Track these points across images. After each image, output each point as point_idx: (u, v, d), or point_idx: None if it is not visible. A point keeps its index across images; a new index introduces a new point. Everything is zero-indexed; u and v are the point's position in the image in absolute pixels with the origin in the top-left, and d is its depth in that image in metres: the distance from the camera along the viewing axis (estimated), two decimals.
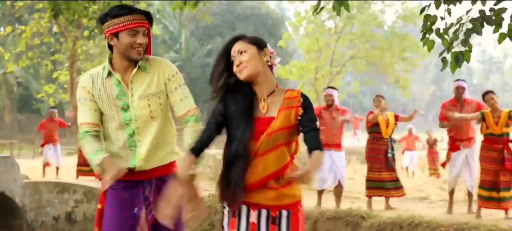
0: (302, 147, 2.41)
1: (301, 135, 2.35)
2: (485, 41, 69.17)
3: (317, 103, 24.52)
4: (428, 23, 4.61)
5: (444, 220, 5.93)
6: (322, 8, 5.14)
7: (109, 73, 2.62)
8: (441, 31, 4.57)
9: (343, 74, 28.03)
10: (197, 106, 2.68)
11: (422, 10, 4.73)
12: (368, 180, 7.23)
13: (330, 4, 15.40)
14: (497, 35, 4.41)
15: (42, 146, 11.24)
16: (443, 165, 7.21)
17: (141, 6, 18.49)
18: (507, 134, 6.19)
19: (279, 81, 2.48)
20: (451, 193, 6.92)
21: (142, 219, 2.60)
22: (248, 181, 2.26)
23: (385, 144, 7.16)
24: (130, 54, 2.56)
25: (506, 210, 6.22)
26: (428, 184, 11.01)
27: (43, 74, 27.28)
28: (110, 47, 2.62)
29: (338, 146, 7.21)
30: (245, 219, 2.31)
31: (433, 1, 4.70)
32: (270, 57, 2.38)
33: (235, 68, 2.33)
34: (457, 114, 6.40)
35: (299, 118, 2.30)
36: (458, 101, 6.79)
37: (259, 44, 2.36)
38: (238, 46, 2.34)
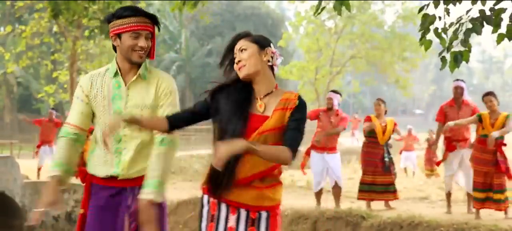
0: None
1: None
2: (485, 41, 69.18)
3: (317, 103, 24.53)
4: (427, 23, 4.61)
5: (444, 220, 5.93)
6: (324, 8, 5.14)
7: (115, 74, 2.60)
8: (440, 30, 4.57)
9: (343, 74, 28.07)
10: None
11: (421, 9, 4.73)
12: (361, 183, 7.25)
13: (331, 4, 15.39)
14: (497, 35, 4.41)
15: (38, 146, 11.26)
16: (438, 163, 7.23)
17: (141, 5, 18.50)
18: (501, 137, 6.22)
19: (278, 81, 2.47)
20: (448, 195, 6.93)
21: (125, 227, 2.58)
22: (235, 177, 2.26)
23: (381, 149, 7.17)
24: (131, 56, 2.55)
25: (504, 211, 6.24)
26: (428, 184, 11.01)
27: (43, 74, 27.29)
28: (115, 48, 2.62)
29: (331, 149, 7.20)
30: (224, 223, 2.31)
31: (432, 1, 4.70)
32: (272, 57, 2.36)
33: (235, 66, 2.34)
34: (451, 123, 6.42)
35: (289, 117, 2.28)
36: (456, 102, 6.80)
37: (261, 44, 2.35)
38: (240, 43, 2.34)
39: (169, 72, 35.20)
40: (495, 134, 6.07)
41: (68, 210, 9.67)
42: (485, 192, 6.24)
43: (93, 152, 2.68)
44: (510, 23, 4.33)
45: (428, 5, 4.75)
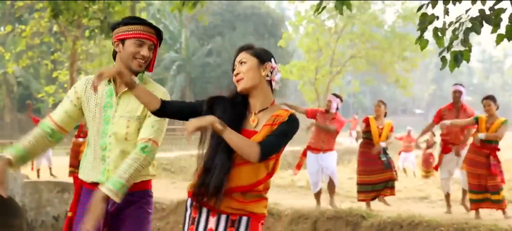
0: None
1: (282, 154, 2.33)
2: (485, 40, 69.25)
3: (317, 103, 24.54)
4: (426, 22, 4.61)
5: (444, 219, 5.94)
6: (324, 7, 5.14)
7: (109, 81, 2.61)
8: (438, 30, 4.57)
9: (343, 74, 28.06)
10: (157, 142, 2.57)
11: (420, 8, 4.73)
12: (358, 184, 7.20)
13: (331, 4, 15.42)
14: (496, 35, 4.41)
15: None
16: (436, 168, 7.24)
17: (141, 5, 18.51)
18: (496, 142, 6.27)
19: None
20: (447, 196, 6.96)
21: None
22: (222, 189, 2.24)
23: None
24: (131, 64, 2.56)
25: (503, 210, 6.26)
26: (428, 184, 11.02)
27: (43, 74, 27.29)
28: (114, 56, 2.63)
29: (327, 151, 7.20)
30: (204, 224, 2.31)
31: (430, 0, 4.70)
32: (271, 72, 2.34)
33: (234, 78, 2.34)
34: (447, 121, 6.44)
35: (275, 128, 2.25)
36: (455, 106, 6.84)
37: (261, 58, 2.33)
38: (241, 56, 2.34)
39: (169, 72, 35.27)
40: (481, 135, 6.15)
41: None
42: (482, 193, 6.29)
43: (85, 155, 2.70)
44: (509, 23, 4.32)
45: (427, 4, 4.75)
